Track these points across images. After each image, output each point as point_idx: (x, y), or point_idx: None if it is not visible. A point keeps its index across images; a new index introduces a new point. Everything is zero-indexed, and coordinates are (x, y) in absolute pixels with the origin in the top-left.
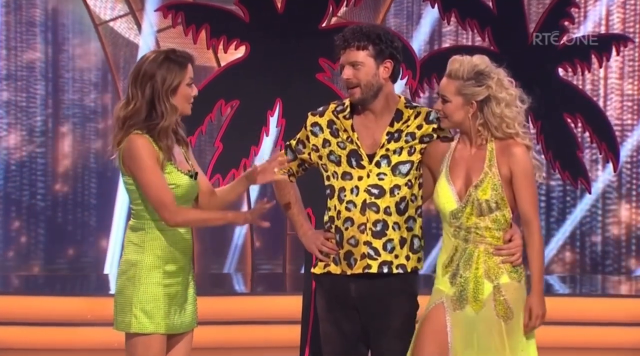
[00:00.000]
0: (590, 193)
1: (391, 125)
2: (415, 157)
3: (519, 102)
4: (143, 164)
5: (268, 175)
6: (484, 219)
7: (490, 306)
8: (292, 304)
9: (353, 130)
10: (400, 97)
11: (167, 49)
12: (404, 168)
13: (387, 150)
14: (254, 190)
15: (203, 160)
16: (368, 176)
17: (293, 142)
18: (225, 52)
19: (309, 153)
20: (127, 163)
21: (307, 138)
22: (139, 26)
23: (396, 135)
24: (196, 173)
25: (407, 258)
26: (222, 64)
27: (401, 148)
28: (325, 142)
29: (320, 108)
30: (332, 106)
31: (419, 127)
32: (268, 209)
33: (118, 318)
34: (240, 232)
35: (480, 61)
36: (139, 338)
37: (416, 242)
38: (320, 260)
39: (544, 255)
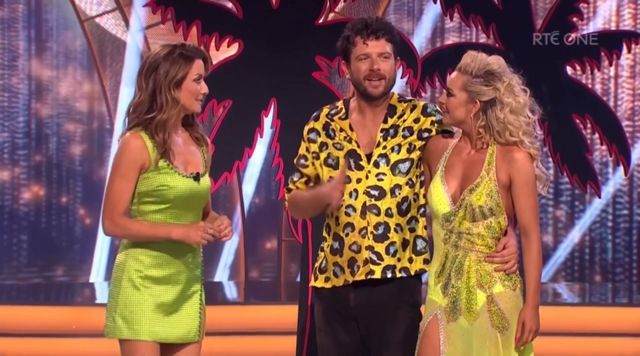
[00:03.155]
0: (600, 197)
1: (385, 121)
2: (415, 155)
3: (529, 113)
4: (118, 167)
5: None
6: (477, 225)
7: (484, 317)
8: (287, 314)
9: (351, 129)
10: (393, 93)
11: (178, 42)
12: (404, 167)
13: (385, 148)
14: (249, 193)
15: None
16: (367, 177)
17: (296, 160)
18: (218, 49)
19: (312, 163)
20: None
21: (307, 149)
22: (127, 22)
23: (392, 131)
24: (198, 174)
25: (410, 260)
26: (214, 62)
27: (399, 146)
28: (323, 145)
29: (315, 114)
30: (325, 110)
31: (416, 120)
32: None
33: (105, 321)
34: (233, 239)
35: (495, 61)
36: (124, 343)
37: (420, 242)
38: (315, 272)
39: (541, 267)
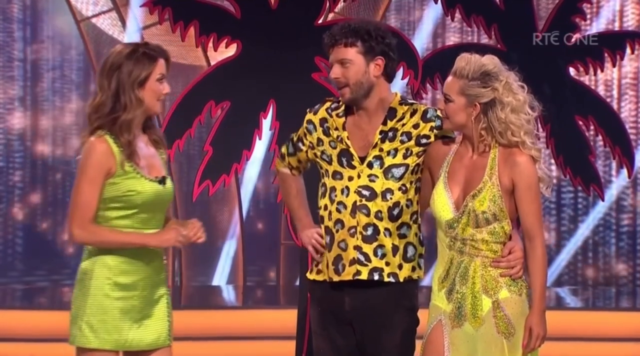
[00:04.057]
0: (603, 200)
1: (384, 123)
2: (411, 160)
3: (529, 109)
4: (85, 172)
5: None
6: (481, 231)
7: (490, 323)
8: (286, 318)
9: (344, 129)
10: (396, 94)
11: (140, 42)
12: (397, 172)
13: (381, 150)
14: (247, 196)
15: (192, 165)
16: (359, 177)
17: (295, 137)
18: (216, 50)
19: (306, 151)
20: (79, 163)
21: (305, 135)
22: (124, 23)
23: (390, 134)
24: (164, 178)
25: (400, 267)
26: (212, 62)
27: (396, 150)
28: (319, 141)
29: (317, 106)
30: (327, 103)
31: (416, 125)
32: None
33: (70, 330)
34: (231, 242)
35: (489, 61)
36: (84, 353)
37: (411, 250)
38: (312, 263)
39: (546, 272)
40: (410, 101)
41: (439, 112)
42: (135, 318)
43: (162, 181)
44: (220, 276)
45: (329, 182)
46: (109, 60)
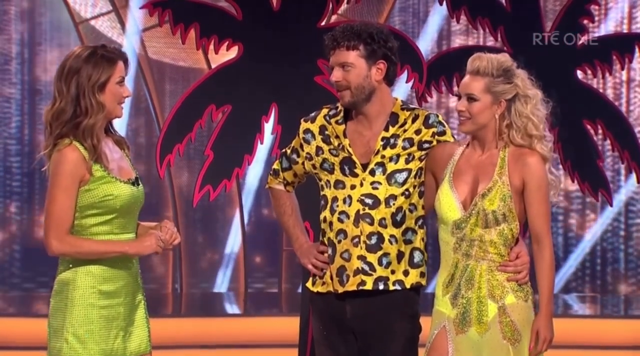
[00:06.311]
0: (611, 205)
1: (386, 129)
2: (414, 165)
3: (541, 106)
4: (59, 181)
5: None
6: (490, 231)
7: (496, 329)
8: (288, 325)
9: (345, 136)
10: (396, 99)
11: (98, 44)
12: (400, 177)
13: (383, 156)
14: (248, 198)
15: (192, 169)
16: (361, 185)
17: (288, 150)
18: (217, 53)
19: (303, 163)
20: (50, 173)
21: (301, 146)
22: (123, 25)
23: (392, 140)
24: (137, 179)
25: (406, 273)
26: (213, 65)
27: (398, 156)
28: (318, 150)
29: (313, 114)
30: (324, 111)
31: (418, 131)
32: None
33: (51, 343)
34: (233, 248)
35: (505, 58)
36: None
37: (417, 255)
38: (314, 275)
39: (554, 275)
40: (411, 106)
41: (440, 118)
42: (120, 326)
43: (135, 183)
44: (221, 283)
45: (330, 192)
46: (67, 64)
